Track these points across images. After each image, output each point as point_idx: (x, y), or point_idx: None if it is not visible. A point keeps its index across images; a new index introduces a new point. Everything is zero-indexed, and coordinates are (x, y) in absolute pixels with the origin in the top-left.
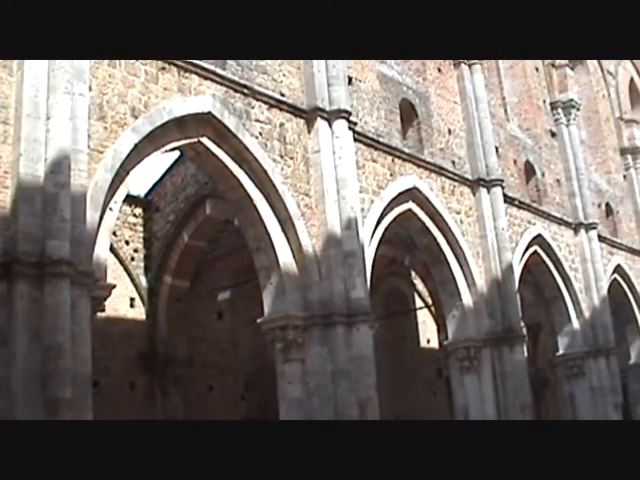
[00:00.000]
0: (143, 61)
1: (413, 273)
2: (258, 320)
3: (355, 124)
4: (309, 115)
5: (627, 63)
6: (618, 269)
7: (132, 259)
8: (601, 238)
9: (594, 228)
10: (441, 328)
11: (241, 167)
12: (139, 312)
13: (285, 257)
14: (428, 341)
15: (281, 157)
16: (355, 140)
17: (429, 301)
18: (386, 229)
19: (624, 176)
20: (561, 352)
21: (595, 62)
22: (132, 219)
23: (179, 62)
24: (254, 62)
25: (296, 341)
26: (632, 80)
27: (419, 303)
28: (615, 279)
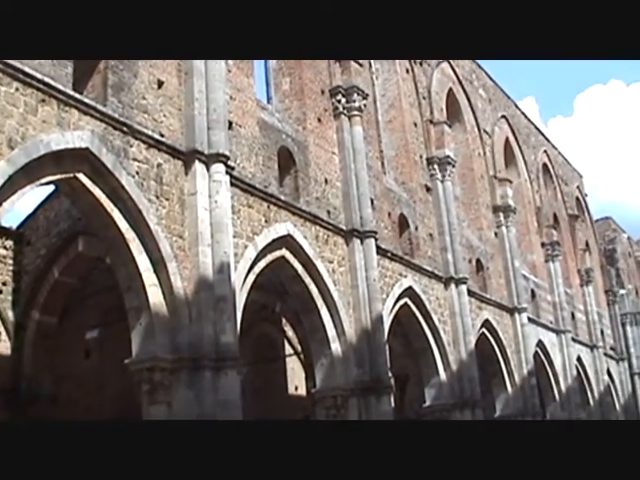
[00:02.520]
0: (23, 91)
1: (284, 320)
2: (126, 361)
3: (233, 169)
4: (187, 157)
5: (503, 123)
6: (486, 324)
7: (0, 292)
8: (471, 293)
9: (464, 283)
10: (309, 376)
11: (116, 205)
12: (4, 347)
13: (156, 298)
14: (296, 388)
15: (157, 198)
16: (232, 185)
17: (299, 348)
18: (258, 275)
19: (495, 233)
20: (428, 403)
21: (472, 120)
22: (2, 251)
23: (60, 95)
24: (135, 100)
25: (163, 384)
26: (507, 140)
27: (289, 350)
28: (483, 333)
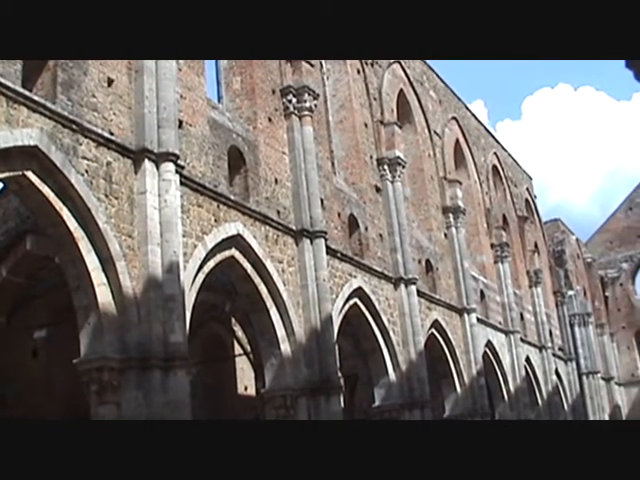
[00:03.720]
0: None
1: (233, 320)
2: (74, 361)
3: (182, 168)
4: (137, 156)
5: (454, 124)
6: (435, 324)
7: None
8: (420, 293)
9: (414, 283)
10: (259, 376)
11: (65, 204)
12: None
13: (104, 298)
14: (246, 388)
15: (106, 196)
16: (182, 184)
17: (248, 348)
18: (208, 275)
19: (445, 234)
20: (377, 403)
21: (423, 122)
22: None
23: (8, 92)
24: (85, 98)
25: (112, 384)
26: (457, 141)
27: (238, 350)
28: (432, 334)
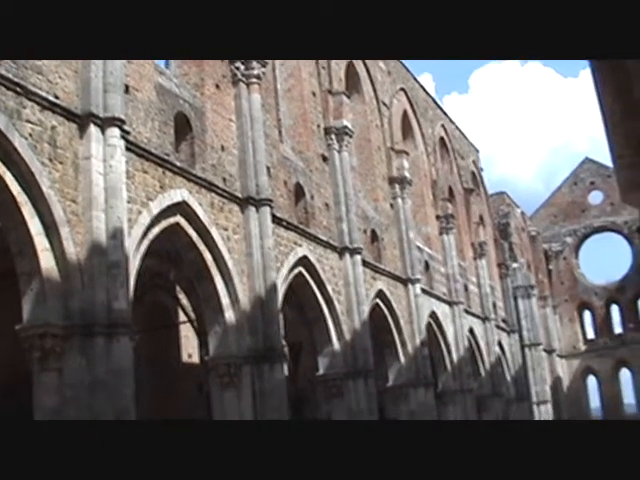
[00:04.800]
0: None
1: (178, 287)
2: (16, 327)
3: (128, 133)
4: (82, 120)
5: (402, 96)
6: (380, 294)
7: None
8: (365, 263)
9: (359, 253)
10: (203, 344)
11: (8, 168)
12: None
13: (47, 263)
14: (190, 356)
15: (50, 161)
16: (127, 149)
17: (192, 316)
18: (152, 241)
19: (391, 204)
20: (321, 372)
21: (371, 92)
22: None
23: None
24: (30, 61)
25: (54, 350)
26: (405, 113)
27: (182, 318)
28: (377, 303)
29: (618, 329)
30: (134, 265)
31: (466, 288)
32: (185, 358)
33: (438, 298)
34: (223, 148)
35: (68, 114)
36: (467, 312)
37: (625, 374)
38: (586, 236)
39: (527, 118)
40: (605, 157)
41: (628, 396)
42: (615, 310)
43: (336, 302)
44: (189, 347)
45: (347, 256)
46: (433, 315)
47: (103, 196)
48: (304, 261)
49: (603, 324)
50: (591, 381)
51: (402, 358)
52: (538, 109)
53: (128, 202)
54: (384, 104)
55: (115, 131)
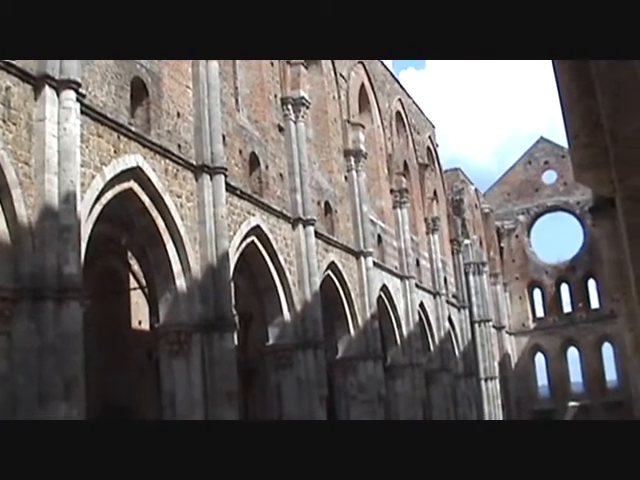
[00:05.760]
0: None
1: (129, 253)
2: None
3: (84, 96)
4: (37, 82)
5: (360, 69)
6: (332, 266)
7: None
8: (318, 234)
9: (312, 224)
10: (153, 311)
11: None
12: None
13: None
14: (140, 323)
15: (4, 122)
16: (82, 113)
17: (144, 282)
18: (105, 206)
19: (345, 177)
20: (271, 342)
21: (329, 63)
22: None
23: None
24: None
25: (3, 313)
26: (363, 86)
27: (133, 284)
28: (328, 275)
29: (567, 308)
30: (86, 230)
31: (418, 263)
32: (135, 325)
33: (390, 272)
34: (179, 115)
35: (23, 75)
36: (418, 287)
37: (573, 353)
38: (538, 215)
39: (484, 97)
40: (560, 137)
41: (575, 374)
42: (565, 289)
43: (288, 273)
44: (139, 314)
45: (300, 227)
46: (384, 289)
47: (56, 159)
48: (257, 231)
49: (553, 303)
50: (539, 359)
51: (352, 330)
52: (495, 88)
53: (82, 166)
54: (342, 76)
55: (70, 94)
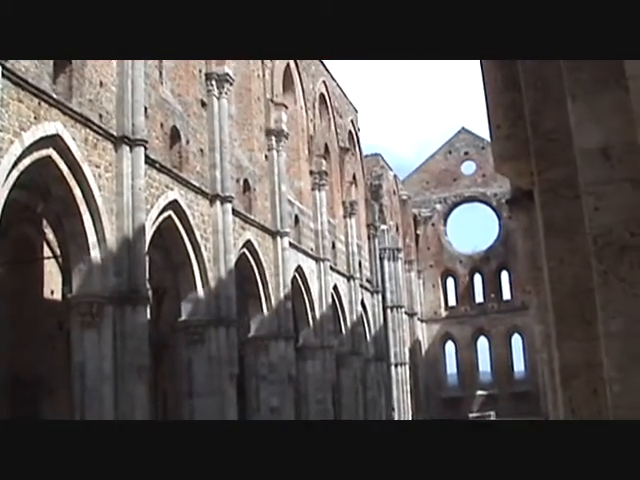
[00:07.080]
0: None
1: (45, 222)
2: None
3: (5, 60)
4: None
5: None
6: (248, 244)
7: None
8: (235, 212)
9: (230, 201)
10: (66, 281)
11: None
12: None
13: None
14: (52, 292)
15: None
16: (3, 76)
17: (58, 252)
18: (22, 173)
19: (266, 156)
20: (184, 318)
21: None
22: None
23: None
24: None
25: None
26: (288, 65)
27: (47, 253)
28: (244, 253)
29: (479, 298)
30: (1, 196)
31: (334, 245)
32: (47, 294)
33: (305, 253)
34: (102, 84)
35: None
36: (333, 269)
37: (483, 342)
38: (456, 204)
39: (408, 86)
40: (481, 129)
41: (484, 364)
42: (478, 279)
43: (203, 249)
44: (52, 283)
45: (218, 204)
46: (299, 270)
47: None
48: (174, 205)
49: (465, 292)
50: (449, 347)
51: (265, 310)
52: (420, 78)
53: (0, 131)
54: None
55: None
